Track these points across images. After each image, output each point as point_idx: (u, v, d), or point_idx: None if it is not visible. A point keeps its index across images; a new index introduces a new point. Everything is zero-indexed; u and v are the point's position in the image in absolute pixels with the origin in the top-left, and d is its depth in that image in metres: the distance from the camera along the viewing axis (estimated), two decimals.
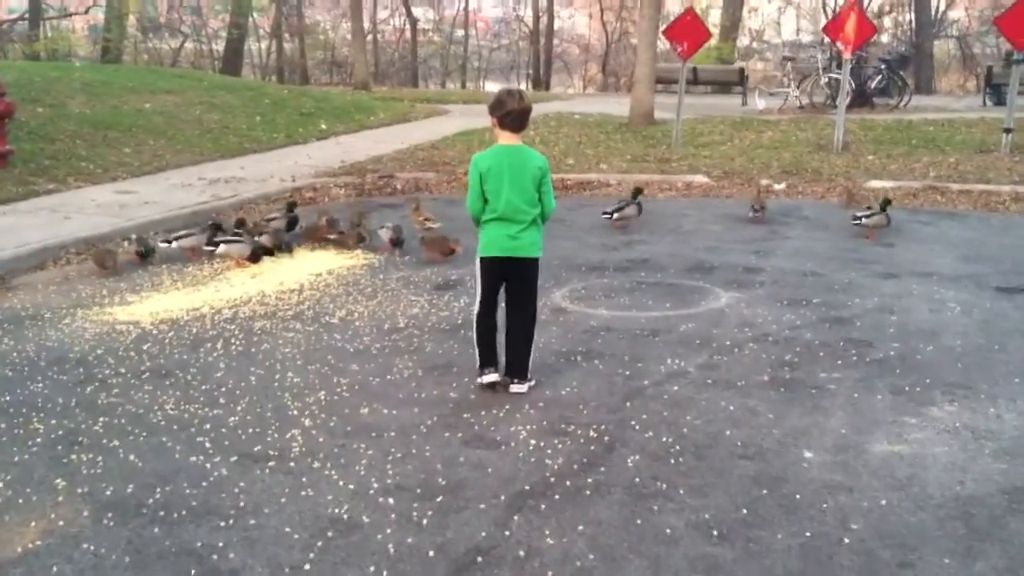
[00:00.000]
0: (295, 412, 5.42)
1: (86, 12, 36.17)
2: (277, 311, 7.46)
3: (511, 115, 5.61)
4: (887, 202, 9.79)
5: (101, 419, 5.37)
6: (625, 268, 8.58)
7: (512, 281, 5.75)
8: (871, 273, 8.28)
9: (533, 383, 5.73)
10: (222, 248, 8.76)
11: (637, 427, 5.09)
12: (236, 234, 9.17)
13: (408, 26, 40.49)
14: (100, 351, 6.57)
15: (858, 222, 9.56)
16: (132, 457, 4.88)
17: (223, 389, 5.81)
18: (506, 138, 5.67)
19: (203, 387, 5.85)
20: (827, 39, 24.58)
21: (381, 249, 9.33)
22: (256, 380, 5.96)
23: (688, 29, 15.37)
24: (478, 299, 5.82)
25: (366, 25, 34.55)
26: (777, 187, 12.37)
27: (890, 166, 13.45)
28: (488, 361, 5.78)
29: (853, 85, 21.51)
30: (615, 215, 10.03)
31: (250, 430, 5.18)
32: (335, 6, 42.29)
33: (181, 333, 6.94)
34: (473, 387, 5.72)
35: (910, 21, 35.66)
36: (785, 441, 4.94)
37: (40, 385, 5.92)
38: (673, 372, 5.92)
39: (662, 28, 18.11)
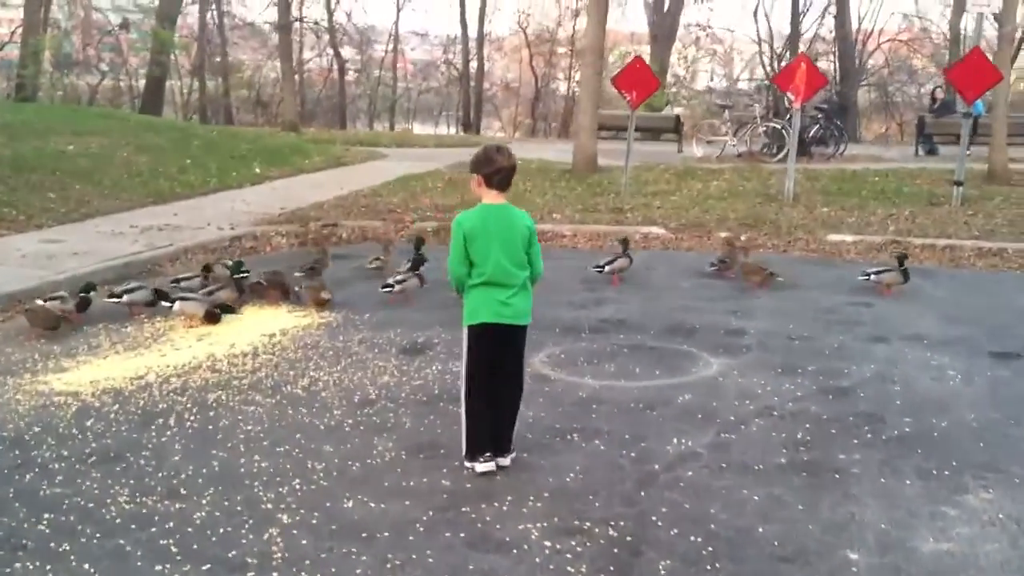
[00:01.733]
0: (269, 506, 4.80)
1: (0, 49, 34.92)
2: (232, 379, 6.81)
3: (500, 173, 5.18)
4: (904, 256, 9.52)
5: (46, 516, 4.69)
6: (601, 329, 8.11)
7: (502, 351, 5.25)
8: (858, 336, 7.92)
9: (514, 454, 5.29)
10: (177, 307, 8.09)
11: (660, 523, 4.58)
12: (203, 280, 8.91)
13: (336, 67, 39.80)
14: (37, 429, 5.87)
15: (867, 278, 9.26)
16: (87, 566, 4.22)
17: (183, 477, 5.16)
18: (491, 197, 5.22)
19: (159, 474, 5.20)
20: (762, 87, 24.76)
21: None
22: (219, 465, 5.32)
23: (637, 77, 15.10)
24: (465, 372, 5.30)
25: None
26: (739, 240, 12.03)
27: (847, 219, 13.24)
28: (481, 445, 5.24)
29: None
30: (606, 268, 9.62)
31: (220, 530, 4.55)
32: (261, 45, 41.56)
33: (127, 407, 6.26)
34: (466, 473, 5.16)
35: (834, 70, 36.16)
36: (824, 539, 4.47)
37: None
38: (682, 454, 5.43)
39: (610, 76, 17.86)
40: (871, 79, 39.38)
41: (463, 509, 4.74)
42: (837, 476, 5.16)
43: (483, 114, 39.87)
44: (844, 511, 4.76)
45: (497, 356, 5.24)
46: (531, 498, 4.85)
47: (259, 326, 8.21)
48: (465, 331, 5.29)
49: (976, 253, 11.27)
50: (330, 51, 40.65)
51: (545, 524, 4.57)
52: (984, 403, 6.35)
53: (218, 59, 40.61)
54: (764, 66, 24.01)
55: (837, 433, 5.78)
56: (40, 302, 8.20)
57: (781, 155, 21.38)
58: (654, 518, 4.63)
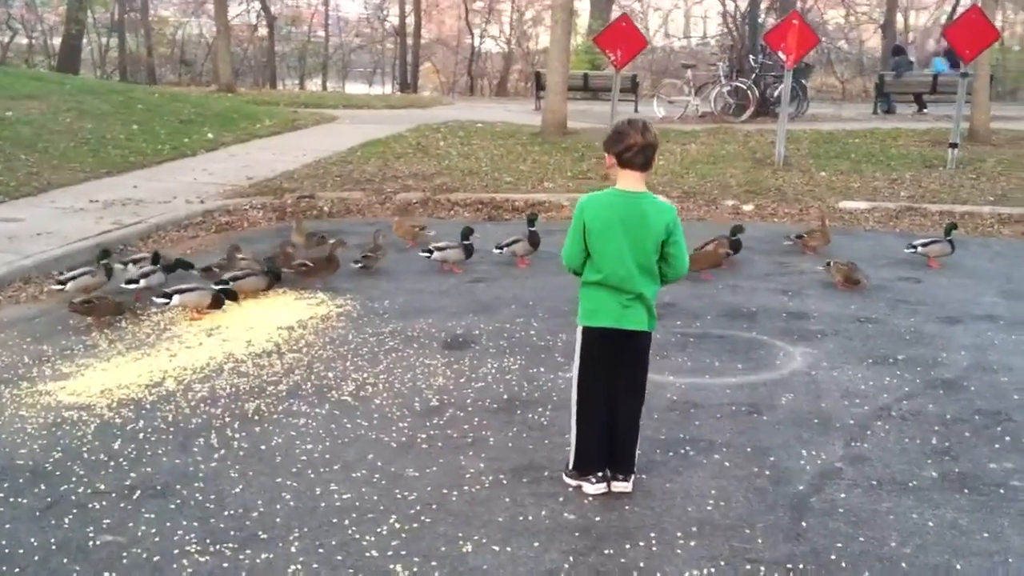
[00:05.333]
0: (374, 553, 4.04)
1: None
2: (264, 385, 5.99)
3: (632, 151, 4.39)
4: (953, 227, 8.95)
5: None
6: None
7: (620, 359, 4.54)
8: (928, 317, 7.37)
9: (634, 478, 4.60)
10: (176, 300, 7.19)
11: (843, 564, 3.93)
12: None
13: (265, 23, 38.18)
14: (57, 454, 5.02)
15: (914, 250, 8.70)
16: None
17: (254, 515, 4.37)
18: (626, 180, 4.45)
19: (226, 513, 4.40)
20: (724, 46, 24.17)
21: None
22: (293, 498, 4.54)
23: (622, 36, 14.33)
24: (578, 378, 4.60)
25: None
26: (746, 208, 11.45)
27: (851, 184, 12.73)
28: (593, 462, 4.58)
29: (757, 93, 21.06)
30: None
31: None
32: (184, 0, 39.72)
33: (154, 422, 5.42)
34: (588, 501, 4.46)
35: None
36: None
37: None
38: (821, 470, 4.79)
39: (593, 36, 17.07)
40: None
41: (606, 551, 4.04)
42: (1001, 491, 4.58)
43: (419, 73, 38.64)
44: None
45: (615, 364, 4.54)
46: (679, 534, 4.17)
47: (271, 317, 7.38)
48: (579, 332, 4.58)
49: (998, 220, 10.85)
50: (257, 5, 38.92)
51: (713, 569, 3.89)
52: None
53: (138, 15, 38.68)
54: (728, 25, 23.34)
55: (972, 436, 5.20)
56: (67, 283, 7.62)
57: (745, 115, 20.90)
58: (833, 557, 3.98)
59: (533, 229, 8.82)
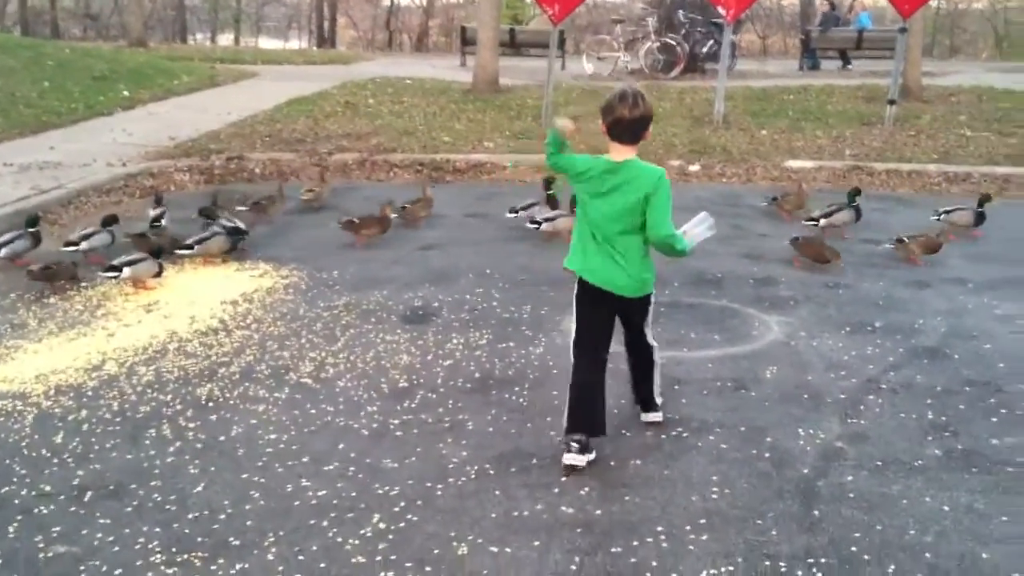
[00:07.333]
0: (361, 559, 3.69)
1: None
2: (215, 366, 5.56)
3: (621, 125, 4.23)
4: (987, 198, 8.57)
5: None
6: None
7: (601, 314, 4.43)
8: (898, 281, 7.21)
9: (661, 415, 4.79)
10: (127, 272, 6.69)
11: (866, 557, 3.69)
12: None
13: None
14: None
15: (937, 218, 8.42)
16: None
17: (222, 518, 3.98)
18: (615, 151, 4.29)
19: (188, 516, 4.00)
20: (654, 2, 23.87)
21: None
22: (262, 496, 4.15)
23: None
24: (573, 331, 4.47)
25: None
26: (692, 168, 11.21)
27: (793, 143, 12.56)
28: (574, 423, 4.36)
29: (687, 49, 20.85)
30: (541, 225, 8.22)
31: None
32: None
33: (98, 412, 4.98)
34: (586, 491, 4.15)
35: None
36: None
37: None
38: (822, 451, 4.55)
39: None
40: None
41: (613, 549, 3.74)
42: (1011, 470, 4.39)
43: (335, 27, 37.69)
44: None
45: (597, 319, 4.42)
46: (687, 527, 3.88)
47: (213, 291, 6.93)
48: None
49: (945, 178, 10.77)
50: None
51: (731, 567, 3.62)
52: None
53: None
54: None
55: (967, 409, 5.02)
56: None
57: (675, 72, 20.70)
58: (854, 549, 3.74)
59: (551, 192, 8.45)
